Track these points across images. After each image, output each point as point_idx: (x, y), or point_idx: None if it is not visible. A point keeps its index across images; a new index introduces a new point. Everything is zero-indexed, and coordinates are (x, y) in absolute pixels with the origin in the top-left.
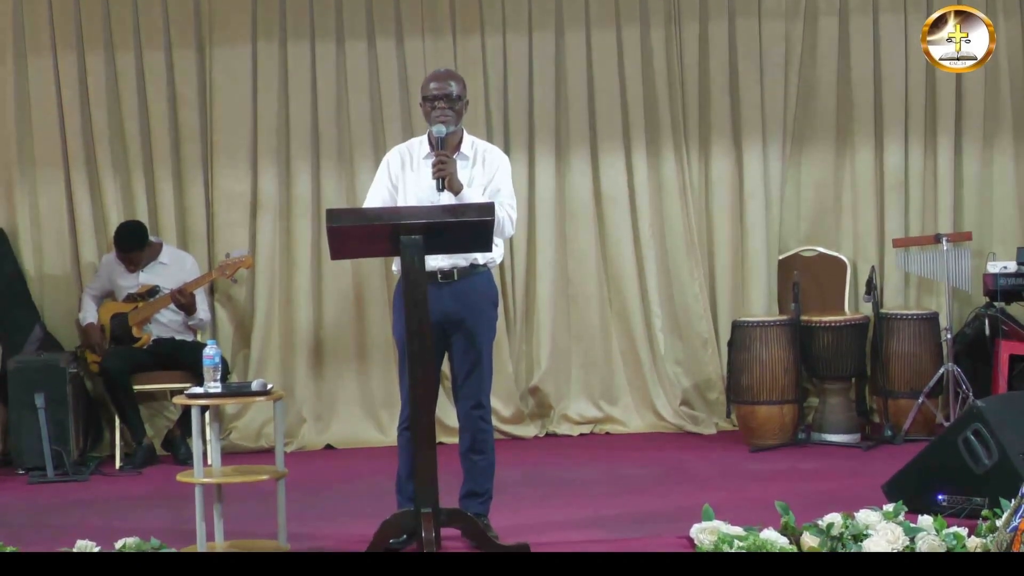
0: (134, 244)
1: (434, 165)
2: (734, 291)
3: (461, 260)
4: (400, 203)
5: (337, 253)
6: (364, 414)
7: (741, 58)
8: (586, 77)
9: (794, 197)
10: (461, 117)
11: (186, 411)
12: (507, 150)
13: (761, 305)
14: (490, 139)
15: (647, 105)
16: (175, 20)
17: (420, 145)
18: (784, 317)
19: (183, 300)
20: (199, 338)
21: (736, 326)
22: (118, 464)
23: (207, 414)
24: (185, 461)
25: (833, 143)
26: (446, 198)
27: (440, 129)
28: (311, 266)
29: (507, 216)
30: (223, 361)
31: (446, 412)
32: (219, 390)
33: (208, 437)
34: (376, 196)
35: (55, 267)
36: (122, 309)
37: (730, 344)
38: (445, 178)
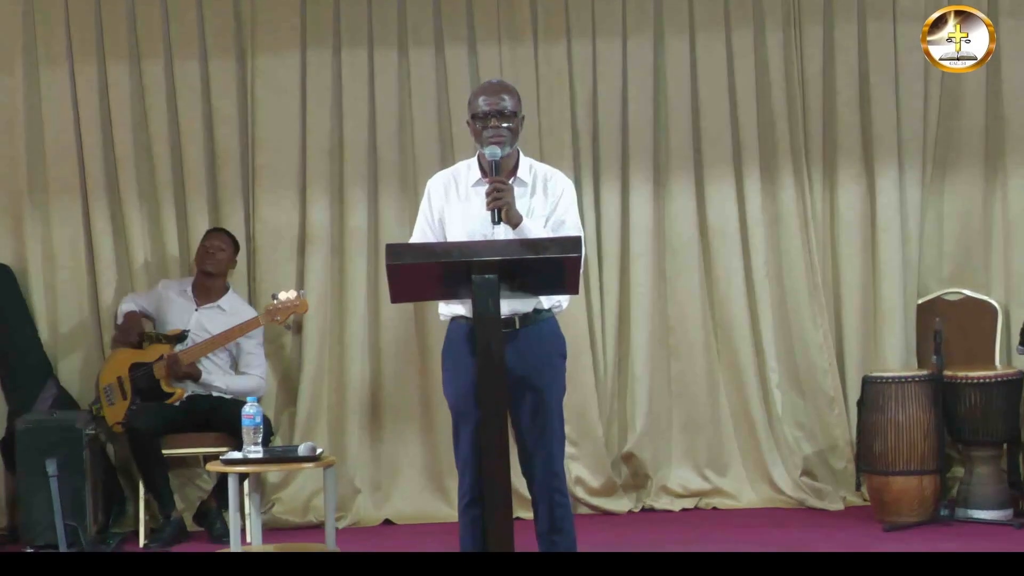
0: (224, 231)
1: (488, 193)
2: (865, 341)
3: (522, 305)
4: (449, 239)
5: (398, 295)
6: (429, 484)
7: (873, 67)
8: (690, 90)
9: (935, 231)
10: (517, 136)
11: (222, 479)
12: (597, 174)
13: (897, 358)
14: (577, 162)
15: (762, 122)
16: (211, 25)
17: (468, 171)
18: (924, 372)
19: (177, 368)
20: None
21: (867, 382)
22: (142, 541)
23: (246, 483)
24: (221, 538)
25: (981, 167)
26: (502, 232)
27: (494, 151)
28: (368, 310)
29: None
30: (265, 421)
31: (521, 480)
32: (260, 455)
33: (247, 510)
34: (418, 235)
35: (71, 312)
36: (146, 358)
37: (860, 404)
38: (502, 208)
